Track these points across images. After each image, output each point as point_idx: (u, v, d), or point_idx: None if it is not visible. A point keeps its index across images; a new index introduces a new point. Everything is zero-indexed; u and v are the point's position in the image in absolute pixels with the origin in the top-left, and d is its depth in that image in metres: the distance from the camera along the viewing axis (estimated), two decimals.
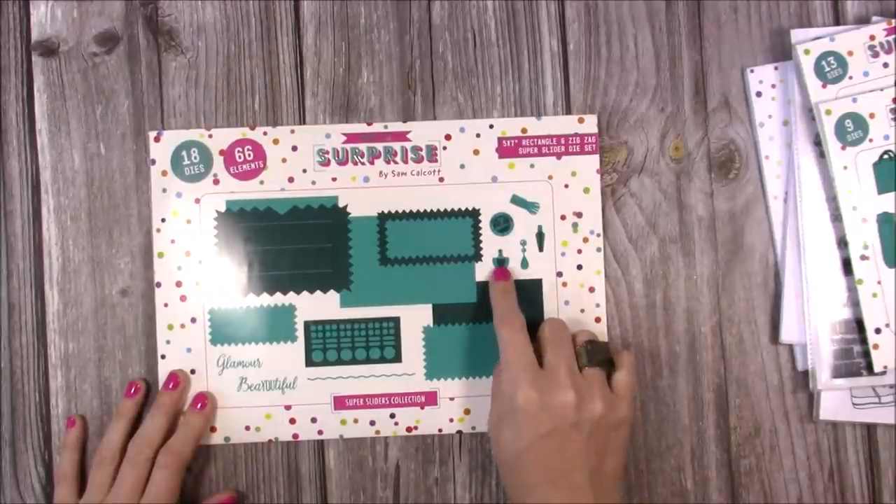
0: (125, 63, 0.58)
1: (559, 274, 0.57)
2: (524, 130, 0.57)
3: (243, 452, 0.57)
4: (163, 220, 0.57)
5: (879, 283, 0.55)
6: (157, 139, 0.57)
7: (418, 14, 0.58)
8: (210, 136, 0.57)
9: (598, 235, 0.57)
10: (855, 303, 0.55)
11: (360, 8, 0.58)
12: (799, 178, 0.56)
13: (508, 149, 0.57)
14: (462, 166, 0.57)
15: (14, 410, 0.57)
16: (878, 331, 0.55)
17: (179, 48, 0.58)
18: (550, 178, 0.57)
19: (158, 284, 0.56)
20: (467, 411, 0.57)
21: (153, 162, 0.57)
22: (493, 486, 0.57)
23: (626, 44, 0.58)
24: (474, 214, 0.57)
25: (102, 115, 0.58)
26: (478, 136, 0.57)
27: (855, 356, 0.55)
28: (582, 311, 0.57)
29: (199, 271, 0.56)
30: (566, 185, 0.57)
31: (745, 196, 0.58)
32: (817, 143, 0.56)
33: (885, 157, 0.55)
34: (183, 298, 0.56)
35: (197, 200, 0.57)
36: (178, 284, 0.56)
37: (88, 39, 0.58)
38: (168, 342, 0.56)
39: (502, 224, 0.57)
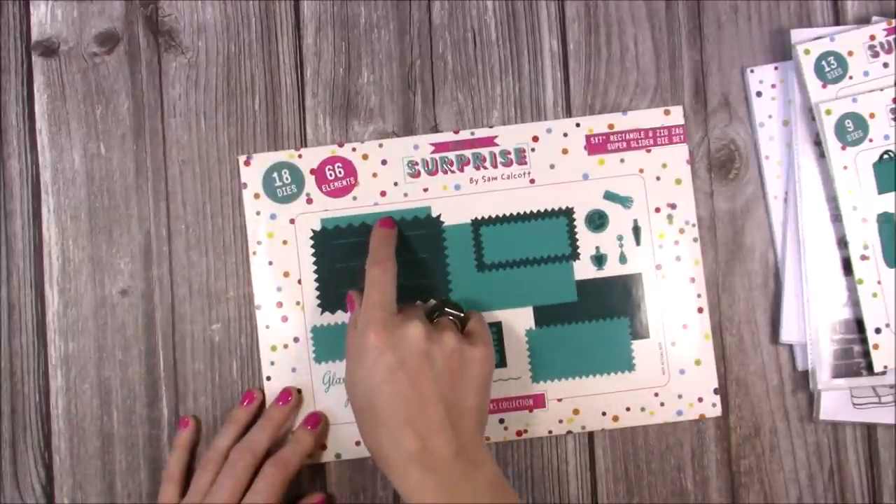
0: (125, 63, 0.58)
1: (658, 267, 0.57)
2: (611, 126, 0.57)
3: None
4: (259, 243, 0.57)
5: (879, 283, 0.55)
6: (247, 163, 0.57)
7: (418, 14, 0.58)
8: (300, 155, 0.57)
9: (694, 225, 0.57)
10: (855, 303, 0.55)
11: (360, 8, 0.58)
12: (799, 178, 0.56)
13: (597, 146, 0.57)
14: (552, 166, 0.57)
15: (14, 410, 0.57)
16: (878, 331, 0.55)
17: (179, 48, 0.58)
18: (641, 171, 0.57)
19: (259, 307, 0.56)
20: (576, 411, 0.56)
21: (245, 185, 0.57)
22: None
23: (626, 44, 0.58)
24: (568, 213, 0.57)
25: (102, 115, 0.58)
26: (565, 135, 0.57)
27: (855, 356, 0.55)
28: (683, 302, 0.57)
29: (298, 291, 0.56)
30: (658, 178, 0.57)
31: (745, 196, 0.58)
32: (817, 143, 0.56)
33: (885, 157, 0.55)
34: (284, 319, 0.56)
35: (292, 221, 0.57)
36: (279, 305, 0.56)
37: (88, 39, 0.58)
38: (272, 363, 0.56)
39: (597, 221, 0.57)
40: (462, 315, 0.54)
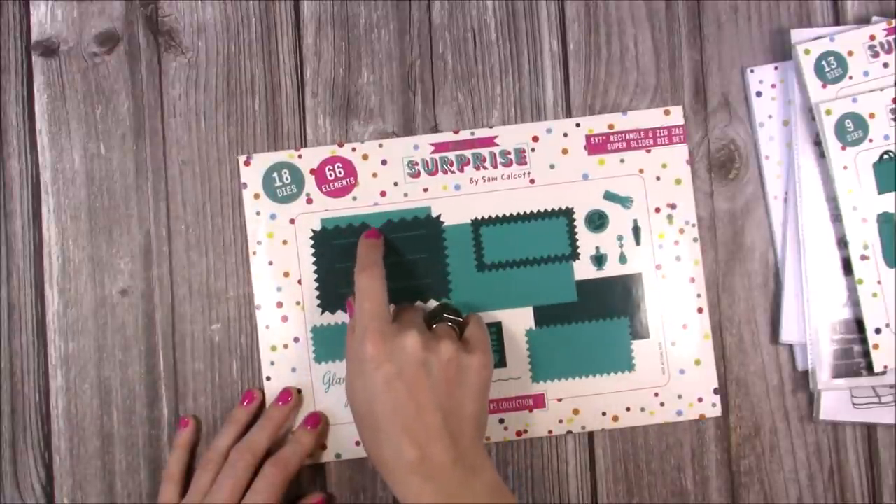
0: (125, 63, 0.58)
1: (658, 267, 0.57)
2: (611, 126, 0.57)
3: None
4: (259, 243, 0.57)
5: (879, 283, 0.55)
6: (247, 163, 0.57)
7: (418, 14, 0.58)
8: (300, 155, 0.57)
9: (694, 226, 0.57)
10: (855, 303, 0.55)
11: (360, 8, 0.58)
12: (799, 178, 0.56)
13: (597, 146, 0.57)
14: (552, 166, 0.57)
15: (14, 410, 0.57)
16: (878, 331, 0.55)
17: (179, 48, 0.58)
18: (641, 171, 0.57)
19: (259, 307, 0.56)
20: (576, 411, 0.56)
21: (245, 185, 0.57)
22: None
23: (626, 44, 0.58)
24: (568, 213, 0.57)
25: (102, 115, 0.58)
26: (565, 135, 0.57)
27: (855, 356, 0.55)
28: (683, 302, 0.57)
29: (298, 291, 0.57)
30: (658, 178, 0.57)
31: (745, 196, 0.58)
32: (817, 143, 0.56)
33: (885, 157, 0.55)
34: (284, 319, 0.56)
35: (292, 221, 0.57)
36: (279, 305, 0.56)
37: (88, 39, 0.58)
38: (272, 364, 0.56)
39: (597, 221, 0.57)
40: (461, 320, 0.54)
